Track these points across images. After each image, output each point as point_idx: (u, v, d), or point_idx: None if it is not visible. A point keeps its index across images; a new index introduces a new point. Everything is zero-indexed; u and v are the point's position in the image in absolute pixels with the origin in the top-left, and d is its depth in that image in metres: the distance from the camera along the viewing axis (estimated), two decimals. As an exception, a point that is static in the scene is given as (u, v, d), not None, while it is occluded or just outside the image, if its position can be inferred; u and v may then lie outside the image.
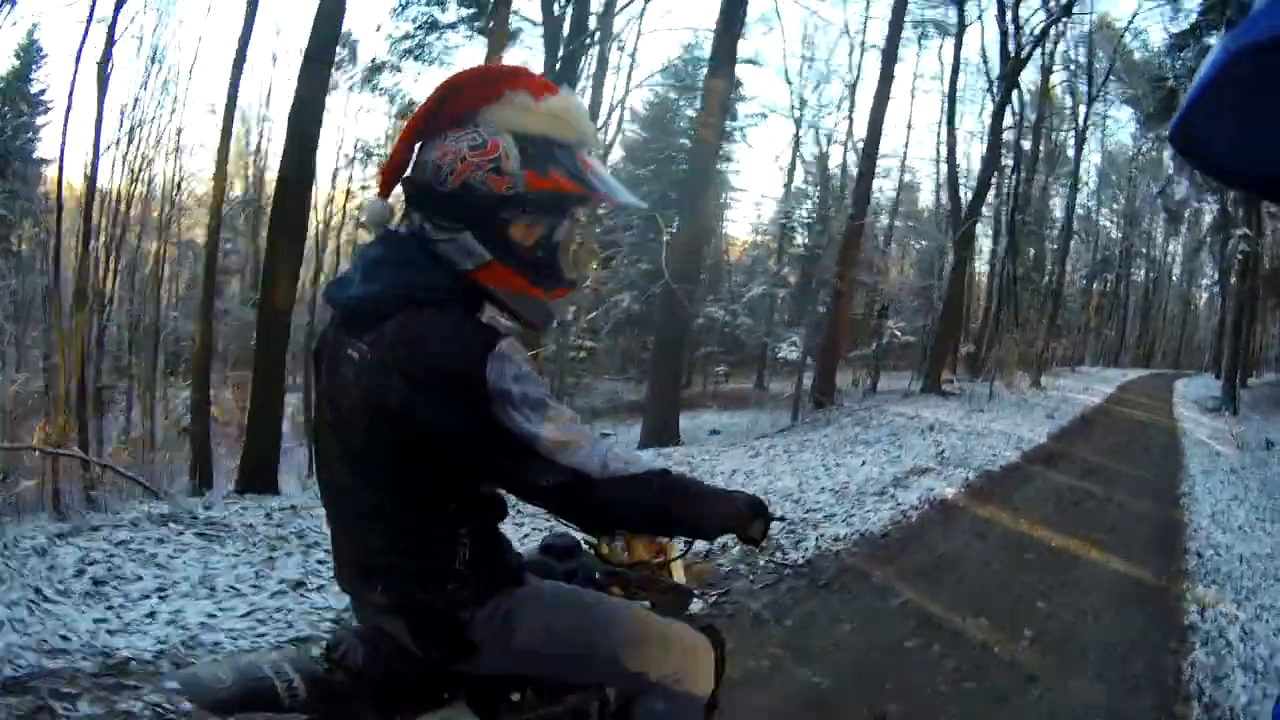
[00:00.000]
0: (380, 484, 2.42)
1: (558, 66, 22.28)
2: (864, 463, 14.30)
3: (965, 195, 33.66)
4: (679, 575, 3.41)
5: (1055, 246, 48.56)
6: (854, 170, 34.90)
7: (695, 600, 4.47)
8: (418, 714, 2.63)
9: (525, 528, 7.45)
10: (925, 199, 57.76)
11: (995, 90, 32.85)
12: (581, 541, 3.27)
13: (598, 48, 27.53)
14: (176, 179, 38.71)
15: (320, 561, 7.74)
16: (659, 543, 3.28)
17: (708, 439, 22.99)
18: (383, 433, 2.33)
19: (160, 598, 6.65)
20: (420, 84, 36.34)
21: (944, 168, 39.19)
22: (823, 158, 48.26)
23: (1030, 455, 16.77)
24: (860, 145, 30.67)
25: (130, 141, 37.01)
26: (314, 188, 18.18)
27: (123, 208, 37.78)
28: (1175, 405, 32.76)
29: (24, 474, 20.12)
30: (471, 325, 2.35)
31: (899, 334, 38.09)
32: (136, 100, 36.16)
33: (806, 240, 42.73)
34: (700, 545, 3.77)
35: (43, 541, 7.61)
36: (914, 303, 45.30)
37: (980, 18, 34.47)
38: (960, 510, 11.44)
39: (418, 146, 2.48)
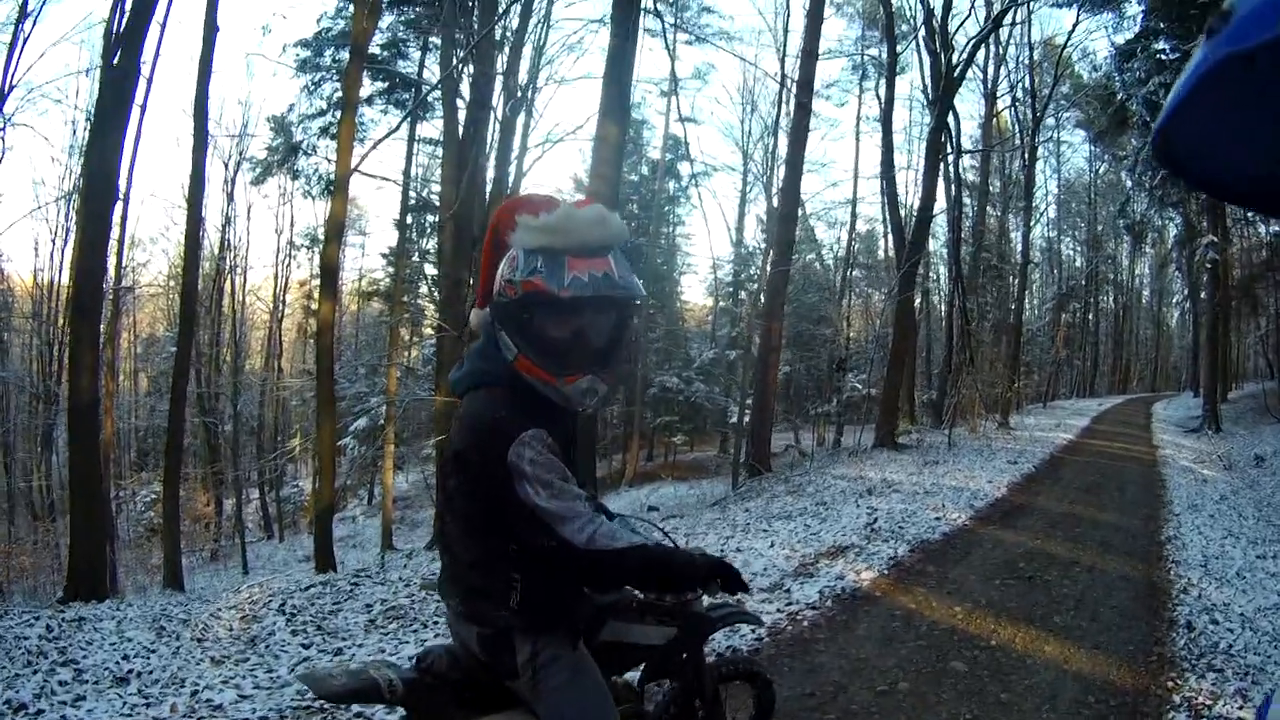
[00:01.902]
0: (457, 518, 3.19)
1: (460, 133, 22.37)
2: (773, 544, 12.42)
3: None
4: (701, 609, 4.06)
5: (1015, 280, 48.03)
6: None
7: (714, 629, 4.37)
8: (485, 713, 3.28)
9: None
10: (884, 247, 56.89)
11: (931, 116, 31.17)
12: None
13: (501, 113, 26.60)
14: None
15: (61, 682, 8.04)
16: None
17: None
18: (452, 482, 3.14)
19: None
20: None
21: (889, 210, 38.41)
22: (771, 213, 47.57)
23: (983, 514, 14.74)
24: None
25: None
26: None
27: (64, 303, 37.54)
28: (1155, 431, 32.31)
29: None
30: (506, 415, 2.99)
31: (859, 387, 38.95)
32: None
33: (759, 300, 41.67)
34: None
35: None
36: (877, 354, 44.27)
37: (916, 41, 34.76)
38: (874, 602, 9.23)
39: None
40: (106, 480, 15.19)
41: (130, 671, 8.37)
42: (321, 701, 3.94)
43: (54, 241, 36.47)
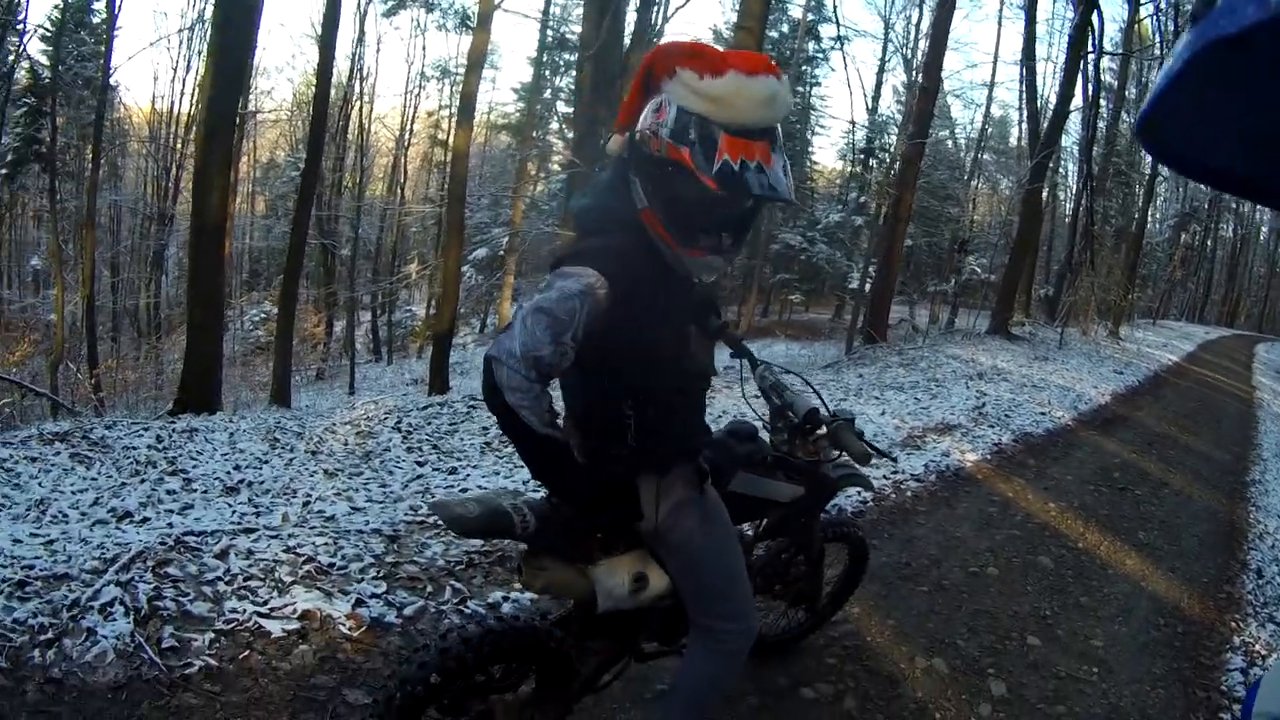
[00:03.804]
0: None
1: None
2: (884, 412, 12.54)
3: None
4: (829, 472, 4.16)
5: (1141, 190, 46.76)
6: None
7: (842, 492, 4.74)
8: (610, 554, 3.32)
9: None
10: (1016, 135, 55.06)
11: (1076, 11, 29.92)
12: (760, 430, 4.05)
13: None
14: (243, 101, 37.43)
15: (169, 491, 7.99)
16: (818, 445, 3.97)
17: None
18: None
19: None
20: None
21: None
22: (911, 85, 46.43)
23: (1085, 417, 14.60)
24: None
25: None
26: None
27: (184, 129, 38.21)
28: (1255, 371, 31.18)
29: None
30: (616, 263, 2.83)
31: (979, 271, 38.25)
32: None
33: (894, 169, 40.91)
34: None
35: None
36: (1000, 241, 43.44)
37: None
38: (975, 484, 9.32)
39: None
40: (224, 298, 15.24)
41: (241, 481, 8.47)
42: (443, 525, 3.76)
43: (174, 70, 37.18)
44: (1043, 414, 13.66)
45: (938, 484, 9.05)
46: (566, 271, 2.77)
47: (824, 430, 3.91)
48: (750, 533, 4.23)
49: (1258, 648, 6.14)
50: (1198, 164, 1.28)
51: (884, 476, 8.74)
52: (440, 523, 3.96)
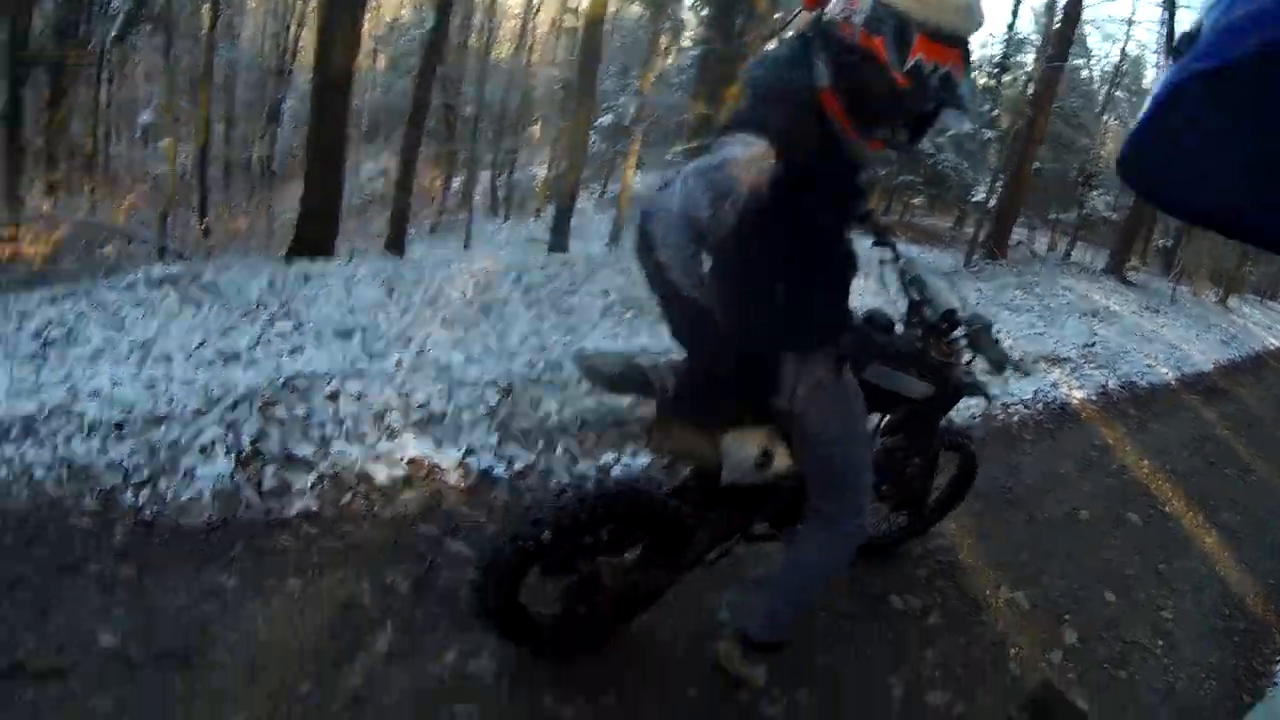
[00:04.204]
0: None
1: None
2: (999, 330, 11.95)
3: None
4: (961, 376, 4.12)
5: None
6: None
7: (966, 399, 4.55)
8: (740, 426, 3.25)
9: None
10: (1151, 79, 53.81)
11: None
12: (896, 321, 4.06)
13: None
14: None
15: (280, 334, 7.97)
16: (952, 346, 4.03)
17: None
18: None
19: (91, 361, 6.83)
20: None
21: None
22: (1050, 6, 45.51)
23: (1188, 380, 14.15)
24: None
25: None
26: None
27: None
28: None
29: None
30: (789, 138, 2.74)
31: (1100, 208, 37.77)
32: None
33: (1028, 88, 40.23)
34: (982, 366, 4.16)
35: (30, 305, 8.17)
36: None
37: None
38: (1079, 423, 9.26)
39: None
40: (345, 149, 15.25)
41: (355, 326, 8.41)
42: (582, 376, 3.61)
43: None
44: (1149, 366, 13.37)
45: (1044, 414, 9.00)
46: (736, 138, 2.71)
47: (961, 332, 3.98)
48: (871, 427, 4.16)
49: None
50: (1179, 202, 1.31)
51: (995, 395, 8.60)
52: (580, 374, 3.66)
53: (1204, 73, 0.97)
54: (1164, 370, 13.64)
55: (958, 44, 2.78)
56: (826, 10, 2.83)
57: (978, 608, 5.06)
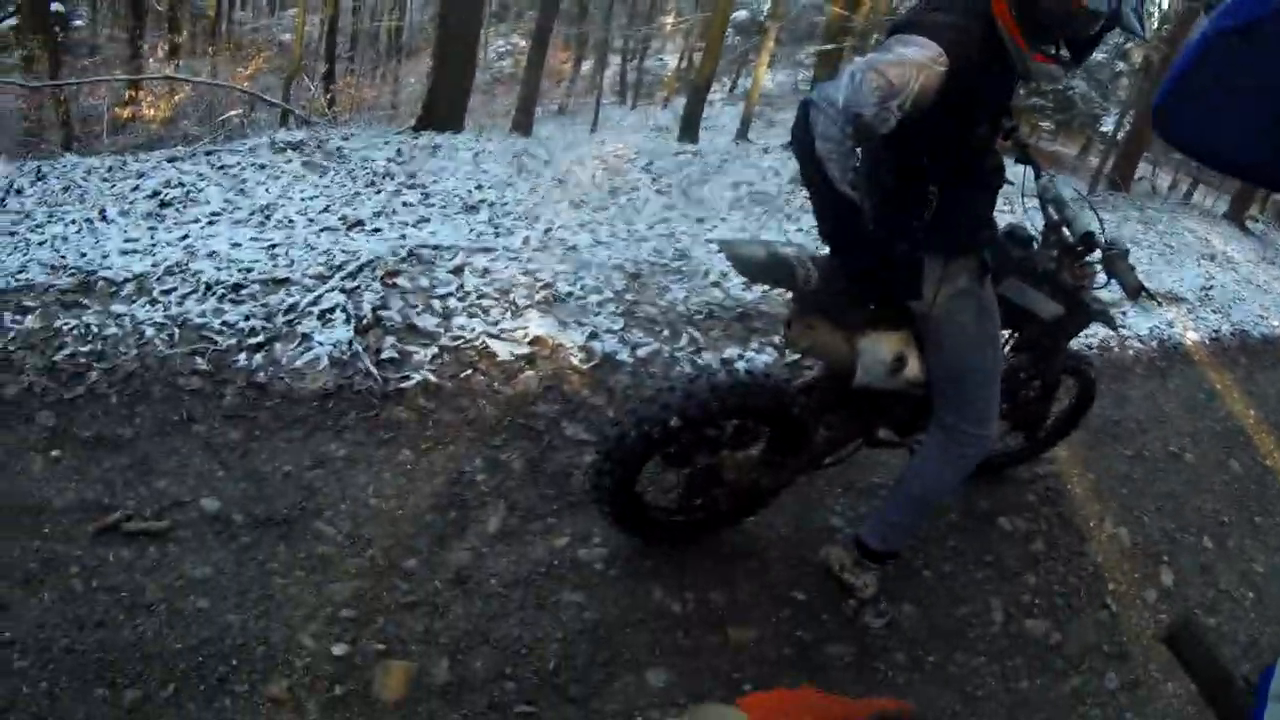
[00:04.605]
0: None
1: None
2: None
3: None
4: (1092, 300, 4.15)
5: None
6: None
7: (1094, 325, 4.49)
8: (877, 328, 3.33)
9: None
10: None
11: None
12: (1035, 239, 3.98)
13: None
14: None
15: (405, 204, 8.05)
16: (1086, 270, 3.97)
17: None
18: None
19: (209, 223, 6.91)
20: None
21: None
22: None
23: None
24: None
25: None
26: None
27: None
28: None
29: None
30: (962, 46, 2.77)
31: None
32: None
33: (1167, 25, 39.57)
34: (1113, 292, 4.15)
35: (149, 165, 8.15)
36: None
37: None
38: (1190, 364, 9.07)
39: None
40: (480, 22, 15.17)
41: (482, 201, 8.46)
42: (728, 263, 3.51)
43: None
44: (1262, 316, 12.95)
45: (1157, 352, 8.86)
46: (910, 39, 2.74)
47: (1097, 256, 3.90)
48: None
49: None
50: (1211, 153, 1.32)
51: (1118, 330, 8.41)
52: (726, 260, 3.59)
53: (1233, 29, 1.01)
54: (1276, 323, 13.41)
55: None
56: None
57: (1081, 538, 5.04)
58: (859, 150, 2.68)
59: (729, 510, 3.85)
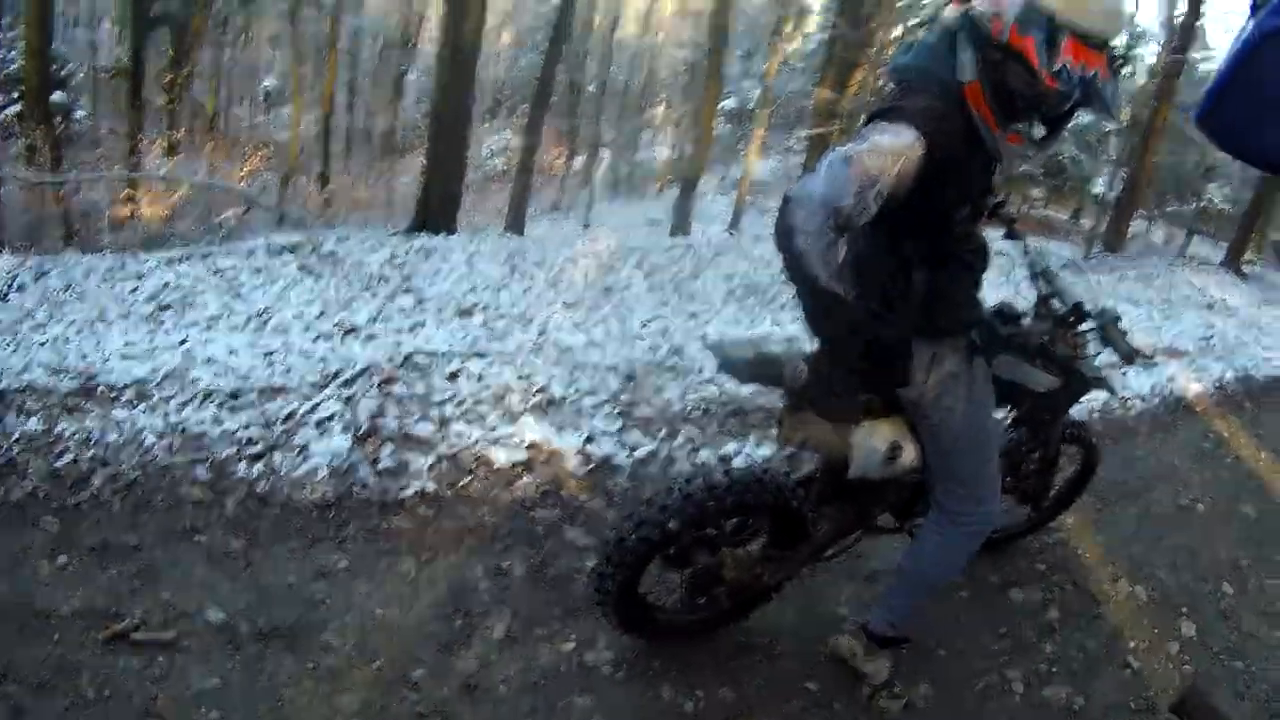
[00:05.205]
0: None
1: None
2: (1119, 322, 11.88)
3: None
4: (1086, 369, 4.04)
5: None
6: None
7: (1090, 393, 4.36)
8: (870, 418, 3.26)
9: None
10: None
11: None
12: (1024, 315, 3.93)
13: None
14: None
15: (400, 309, 8.15)
16: (1079, 339, 3.95)
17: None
18: None
19: (207, 327, 7.06)
20: None
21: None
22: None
23: None
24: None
25: None
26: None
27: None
28: None
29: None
30: (934, 125, 2.77)
31: (1216, 200, 37.81)
32: None
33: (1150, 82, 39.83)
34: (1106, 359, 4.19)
35: (148, 266, 8.39)
36: (1244, 173, 42.17)
37: None
38: (1193, 415, 9.00)
39: None
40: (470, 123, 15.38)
41: (476, 305, 8.51)
42: (716, 365, 3.56)
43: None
44: (1266, 358, 12.88)
45: (1160, 408, 8.82)
46: (885, 126, 2.74)
47: (1089, 325, 3.93)
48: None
49: None
50: (1258, 153, 1.31)
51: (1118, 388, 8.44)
52: (714, 362, 3.68)
53: (1276, 31, 1.03)
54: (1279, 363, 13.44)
55: (1104, 47, 2.85)
56: (975, 4, 2.88)
57: (1095, 601, 5.03)
58: (840, 241, 2.64)
59: (733, 607, 3.85)
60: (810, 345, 3.14)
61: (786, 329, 7.83)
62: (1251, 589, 5.61)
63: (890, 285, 3.11)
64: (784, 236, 2.58)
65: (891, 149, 2.68)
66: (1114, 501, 6.30)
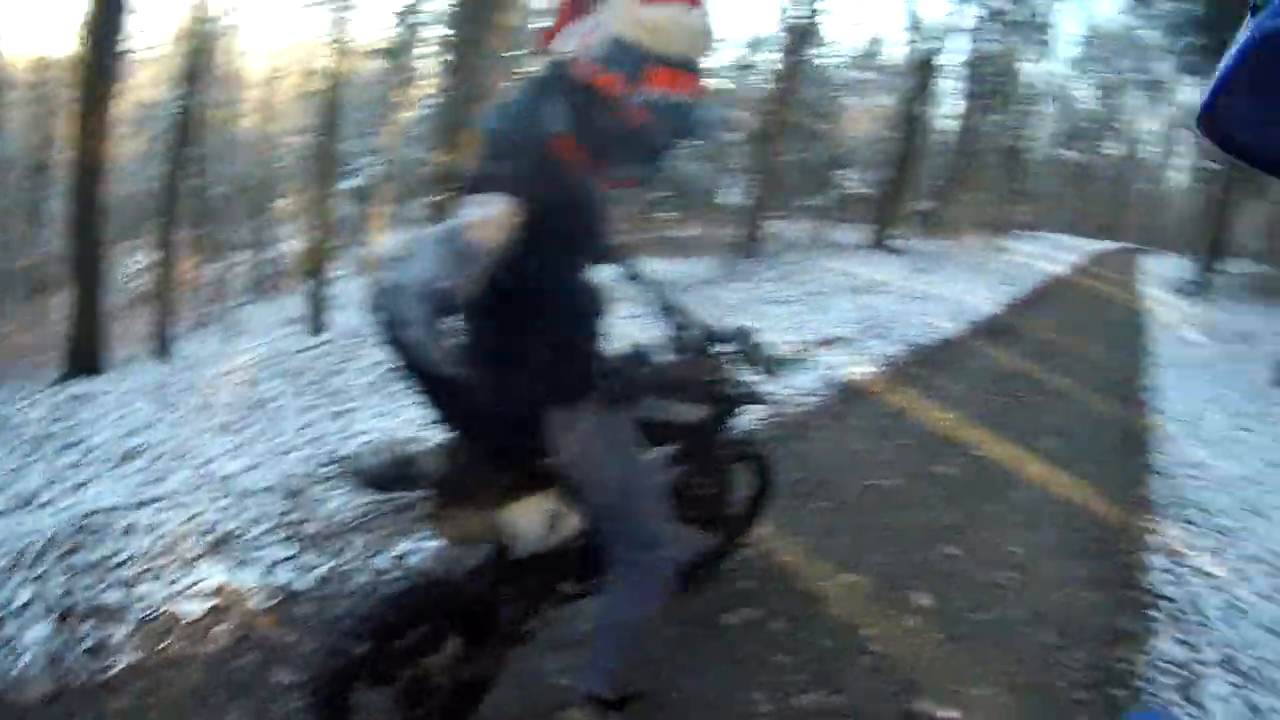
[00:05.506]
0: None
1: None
2: (765, 328, 12.20)
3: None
4: (730, 390, 4.16)
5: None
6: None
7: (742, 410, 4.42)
8: (522, 494, 3.24)
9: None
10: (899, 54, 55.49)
11: None
12: (658, 352, 3.91)
13: None
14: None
15: (70, 465, 7.98)
16: (717, 363, 4.02)
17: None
18: None
19: None
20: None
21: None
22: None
23: (973, 327, 14.82)
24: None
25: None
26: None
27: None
28: (1143, 284, 31.17)
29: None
30: (518, 179, 2.72)
31: (851, 184, 39.42)
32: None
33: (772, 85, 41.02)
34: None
35: None
36: (876, 157, 43.76)
37: None
38: (866, 397, 9.46)
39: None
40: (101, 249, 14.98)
41: (135, 448, 8.26)
42: (350, 481, 3.35)
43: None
44: (928, 324, 13.82)
45: (827, 398, 9.10)
46: (476, 199, 2.69)
47: (725, 347, 4.00)
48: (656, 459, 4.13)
49: (1176, 547, 6.24)
50: (1263, 156, 1.24)
51: (773, 393, 8.35)
52: (347, 478, 3.81)
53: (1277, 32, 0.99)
54: (946, 324, 14.11)
55: (693, 69, 2.83)
56: (560, 49, 2.85)
57: (815, 601, 5.11)
58: (445, 324, 2.64)
59: (452, 711, 3.72)
60: (443, 436, 3.20)
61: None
62: (976, 543, 5.91)
63: (511, 356, 3.06)
64: (387, 329, 2.54)
65: (486, 221, 2.64)
66: (802, 501, 6.41)
